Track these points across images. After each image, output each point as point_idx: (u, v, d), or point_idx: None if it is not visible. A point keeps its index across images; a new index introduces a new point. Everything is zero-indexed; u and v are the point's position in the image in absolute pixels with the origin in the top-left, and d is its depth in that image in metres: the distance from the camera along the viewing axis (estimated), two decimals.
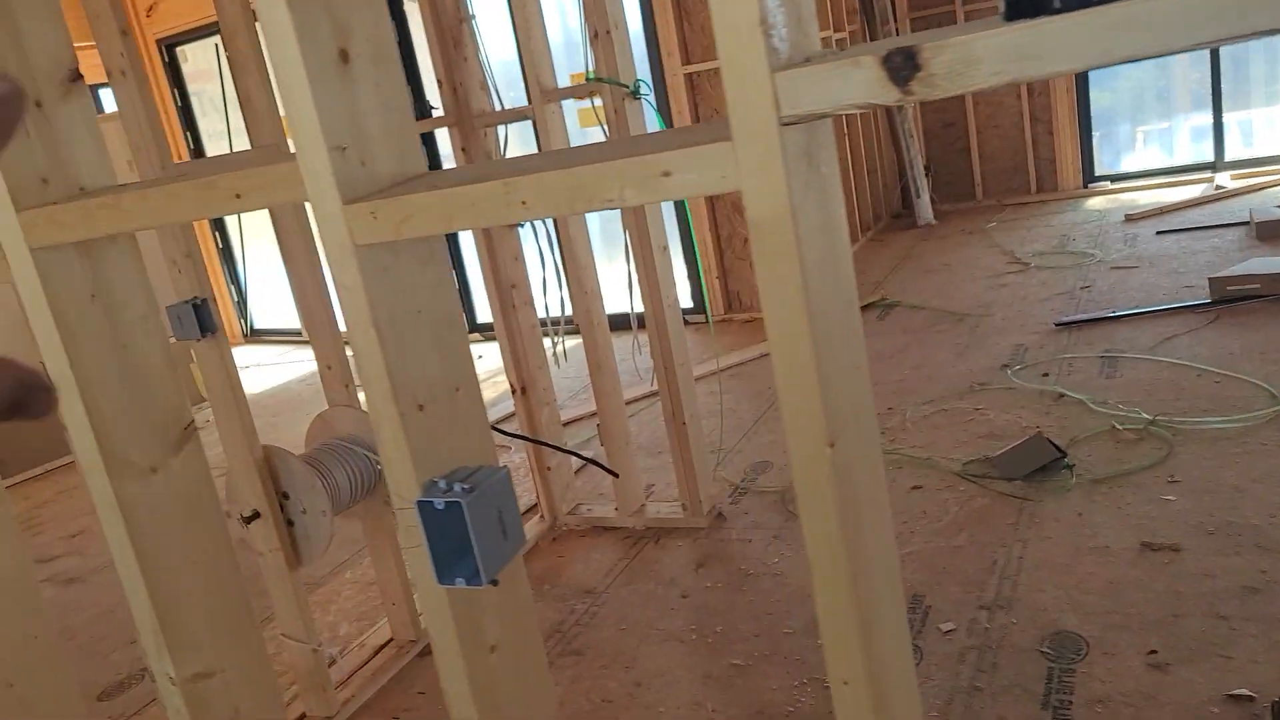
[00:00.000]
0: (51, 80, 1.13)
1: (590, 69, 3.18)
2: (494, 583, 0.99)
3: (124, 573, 1.23)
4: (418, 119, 3.40)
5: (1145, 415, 3.56)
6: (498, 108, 3.39)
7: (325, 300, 2.81)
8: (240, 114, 2.81)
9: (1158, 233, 5.74)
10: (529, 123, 3.31)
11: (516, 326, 3.47)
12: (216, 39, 7.09)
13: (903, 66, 0.68)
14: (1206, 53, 6.67)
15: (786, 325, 0.78)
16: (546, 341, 3.62)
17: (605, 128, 3.17)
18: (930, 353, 4.59)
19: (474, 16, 3.31)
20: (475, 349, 3.99)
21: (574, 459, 3.81)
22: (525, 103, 3.26)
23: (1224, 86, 6.71)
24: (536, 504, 3.76)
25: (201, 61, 7.22)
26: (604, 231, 5.98)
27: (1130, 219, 6.13)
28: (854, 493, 0.87)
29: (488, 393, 4.70)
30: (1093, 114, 7.08)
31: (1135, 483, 3.17)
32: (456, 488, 1.00)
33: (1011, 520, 3.09)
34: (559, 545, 3.52)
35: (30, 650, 1.35)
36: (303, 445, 2.95)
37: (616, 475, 3.39)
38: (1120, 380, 3.92)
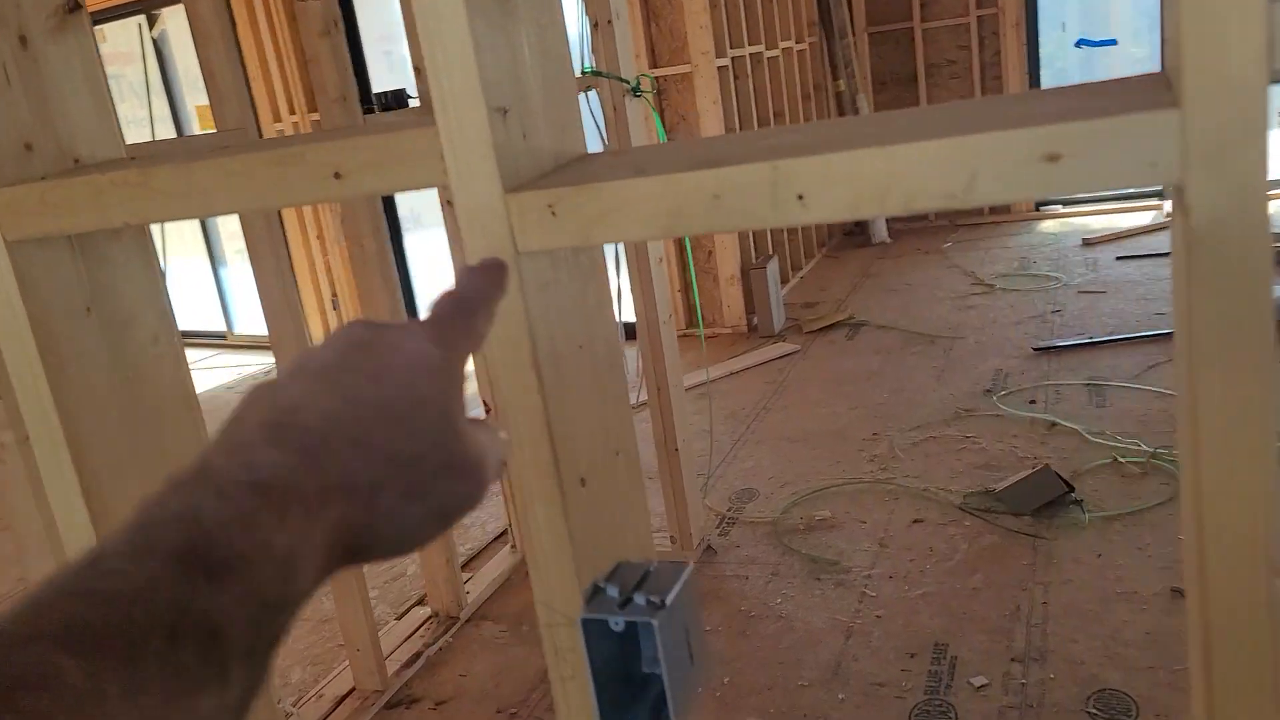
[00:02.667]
0: (41, 7, 0.82)
1: (588, 62, 2.90)
2: None
3: None
4: (387, 108, 3.09)
5: (1146, 447, 3.41)
6: None
7: (295, 312, 2.48)
8: (166, 99, 2.46)
9: (1118, 258, 5.68)
10: None
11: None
12: (140, 18, 6.60)
13: None
14: None
15: None
16: None
17: (601, 129, 2.89)
18: (907, 376, 4.40)
19: None
20: None
21: None
22: None
23: None
24: (506, 530, 3.46)
25: (121, 43, 6.72)
26: None
27: (1088, 243, 6.07)
28: None
29: None
30: None
31: (1150, 521, 3.00)
32: (638, 599, 0.71)
33: (1027, 560, 2.89)
34: None
35: None
36: None
37: None
38: (1112, 409, 3.78)
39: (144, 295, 0.89)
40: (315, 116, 6.23)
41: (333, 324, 6.79)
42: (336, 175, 0.67)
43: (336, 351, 0.47)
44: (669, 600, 0.72)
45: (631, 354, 4.74)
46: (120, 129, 0.90)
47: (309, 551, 0.41)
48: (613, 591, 0.73)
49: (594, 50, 2.92)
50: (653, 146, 0.73)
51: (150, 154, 0.99)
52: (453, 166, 0.65)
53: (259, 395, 0.46)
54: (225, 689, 0.36)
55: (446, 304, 0.52)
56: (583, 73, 2.96)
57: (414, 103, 3.15)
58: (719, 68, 5.14)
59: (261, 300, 2.49)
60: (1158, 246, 5.77)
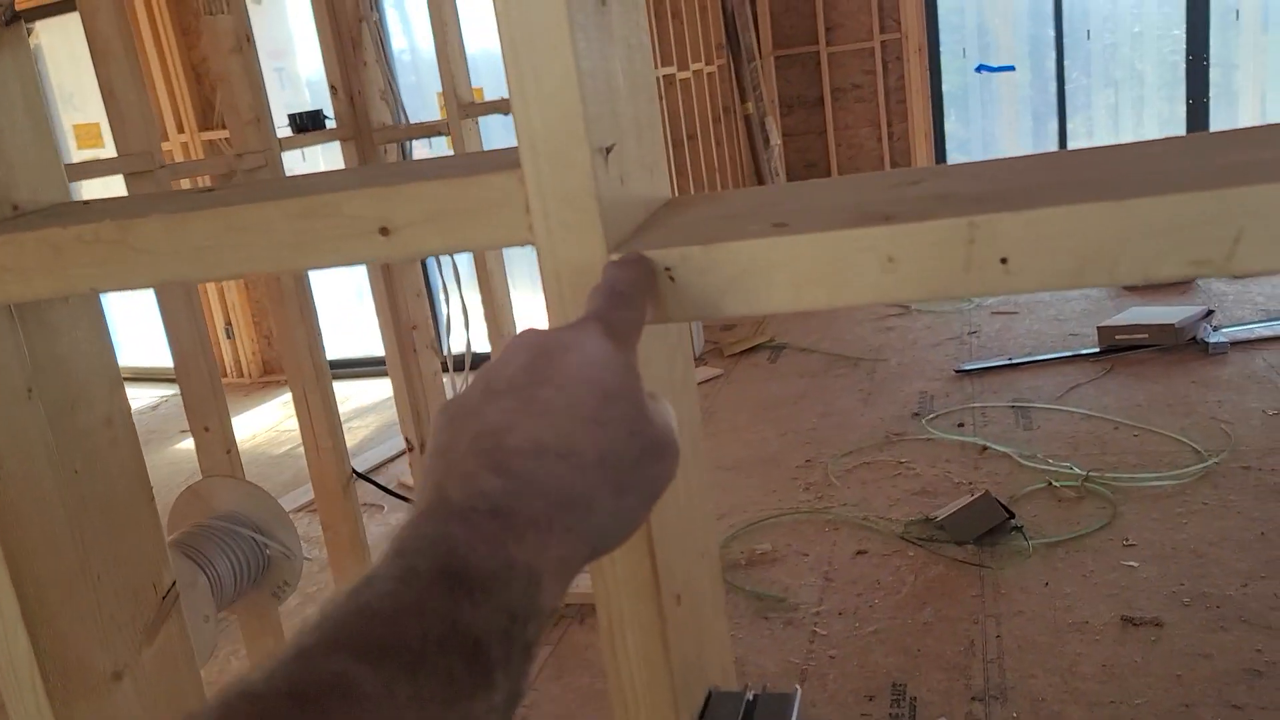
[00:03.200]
0: None
1: None
2: None
3: None
4: (302, 130, 2.90)
5: (1079, 470, 3.41)
6: (403, 121, 2.91)
7: (206, 348, 2.27)
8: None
9: None
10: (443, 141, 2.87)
11: (416, 372, 2.99)
12: None
13: None
14: (1047, 118, 6.84)
15: None
16: (448, 384, 3.15)
17: None
18: (834, 399, 4.36)
19: (380, 14, 2.84)
20: (340, 389, 3.48)
21: None
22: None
23: (1071, 144, 6.88)
24: None
25: None
26: (521, 256, 5.42)
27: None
28: None
29: (352, 438, 4.13)
30: (949, 154, 7.14)
31: (1092, 547, 2.99)
32: None
33: (975, 591, 2.84)
34: None
35: None
36: (164, 523, 2.38)
37: None
38: (1040, 432, 3.78)
39: (94, 369, 0.72)
40: (208, 136, 5.94)
41: (227, 354, 6.46)
42: (384, 231, 0.53)
43: (518, 365, 0.49)
44: None
45: None
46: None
47: (546, 565, 0.44)
48: None
49: None
50: (771, 189, 0.60)
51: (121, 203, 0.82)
52: (541, 221, 0.52)
53: (461, 421, 0.48)
54: (491, 693, 0.40)
55: (603, 297, 0.52)
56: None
57: (330, 123, 2.96)
58: None
59: (167, 331, 2.28)
60: None
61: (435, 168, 0.56)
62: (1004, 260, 0.47)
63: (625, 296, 0.52)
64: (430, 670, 0.38)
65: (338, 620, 0.39)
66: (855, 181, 0.59)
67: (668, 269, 0.51)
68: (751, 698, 0.63)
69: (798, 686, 0.61)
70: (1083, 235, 0.46)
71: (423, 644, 0.39)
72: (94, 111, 5.93)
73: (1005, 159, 0.59)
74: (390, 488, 3.82)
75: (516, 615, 0.42)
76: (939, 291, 0.49)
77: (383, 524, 3.85)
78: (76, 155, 6.04)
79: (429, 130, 2.87)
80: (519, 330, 0.51)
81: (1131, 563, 2.88)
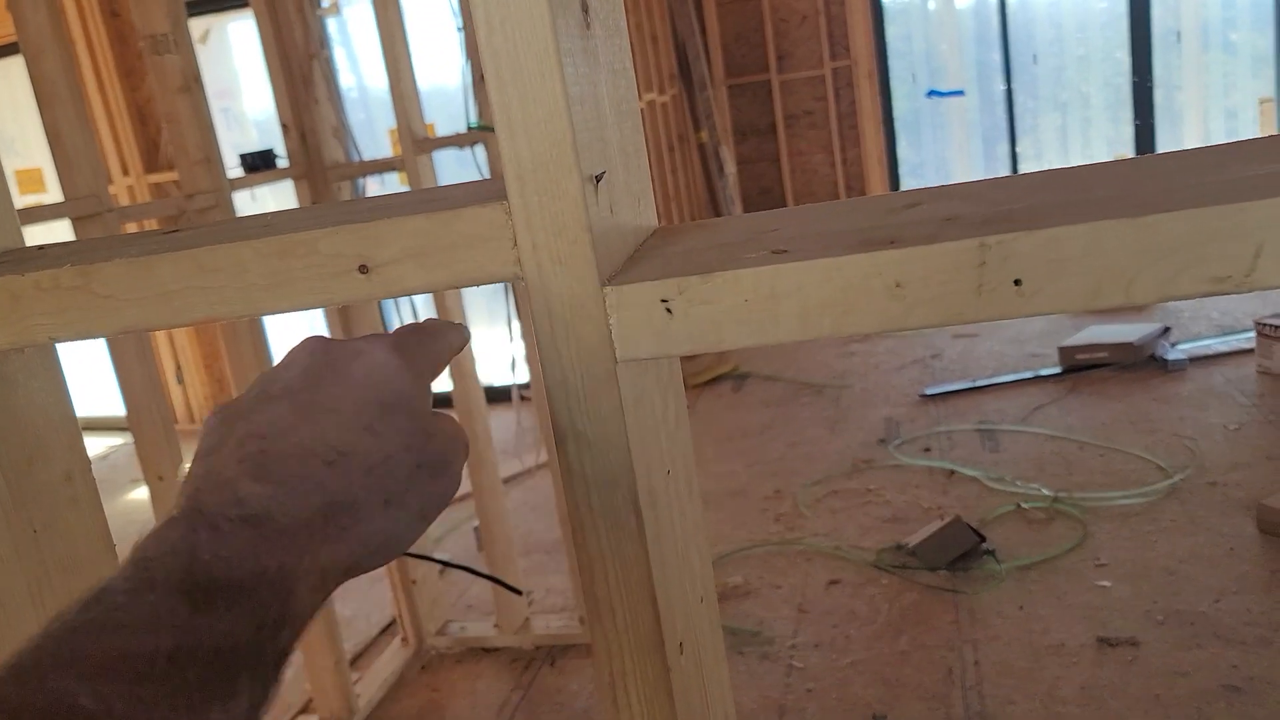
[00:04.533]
0: None
1: (475, 116, 2.74)
2: None
3: None
4: (254, 169, 2.86)
5: (1047, 492, 3.42)
6: (355, 158, 2.88)
7: (158, 394, 2.21)
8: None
9: None
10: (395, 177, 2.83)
11: None
12: None
13: None
14: (997, 141, 6.94)
15: None
16: None
17: None
18: (800, 428, 4.35)
19: (329, 51, 2.81)
20: None
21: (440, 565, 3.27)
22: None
23: (1021, 166, 6.98)
24: (394, 621, 3.20)
25: None
26: (480, 292, 5.33)
27: None
28: None
29: None
30: (901, 179, 7.21)
31: (1064, 568, 2.98)
32: None
33: (951, 618, 2.82)
34: (431, 676, 2.97)
35: None
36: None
37: (520, 593, 2.89)
38: (1006, 455, 3.79)
39: (52, 423, 0.68)
40: (154, 179, 5.85)
41: (178, 400, 6.35)
42: (362, 269, 0.50)
43: (298, 369, 0.48)
44: None
45: (508, 418, 4.55)
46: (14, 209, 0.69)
47: (301, 574, 0.43)
48: None
49: (479, 104, 2.77)
50: (763, 215, 0.58)
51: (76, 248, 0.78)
52: (530, 255, 0.49)
53: (230, 424, 0.47)
54: (232, 701, 0.39)
55: (405, 328, 0.53)
56: (469, 128, 2.80)
57: (282, 163, 2.92)
58: None
59: (119, 377, 2.21)
60: None
61: (415, 202, 0.53)
62: (1018, 282, 0.45)
63: (426, 329, 0.53)
64: (159, 683, 0.37)
65: (61, 637, 0.38)
66: (851, 206, 0.57)
67: (664, 301, 0.48)
68: None
69: None
70: (1099, 254, 0.44)
71: (152, 657, 0.37)
72: (36, 156, 5.83)
73: (1003, 178, 0.57)
74: None
75: (265, 624, 0.41)
76: (950, 318, 0.46)
77: None
78: (19, 201, 5.92)
79: (383, 166, 2.84)
80: (315, 340, 0.50)
81: (1104, 582, 2.88)
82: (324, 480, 0.45)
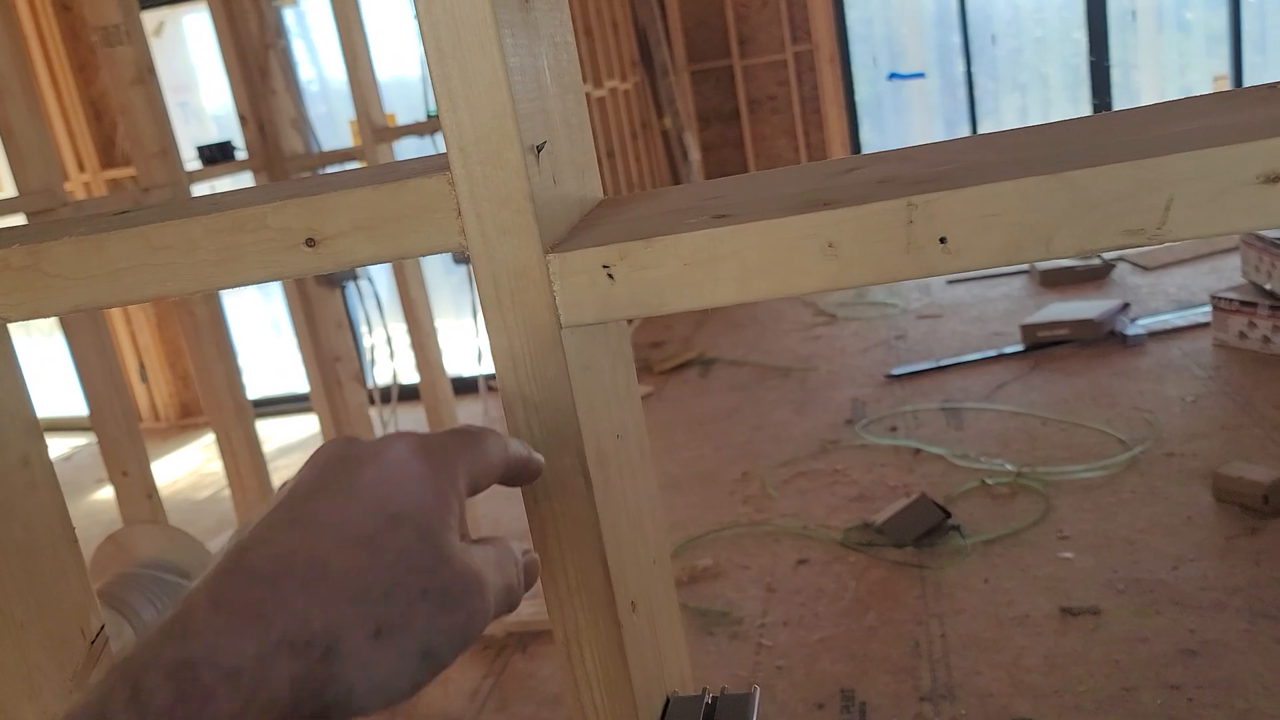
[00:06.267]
0: None
1: (432, 105, 2.74)
2: None
3: None
4: (212, 162, 2.84)
5: (1010, 467, 3.47)
6: (315, 149, 2.87)
7: (121, 390, 2.20)
8: None
9: (949, 282, 5.86)
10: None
11: (341, 406, 2.93)
12: None
13: None
14: (958, 123, 6.99)
15: None
16: (375, 417, 3.09)
17: None
18: (767, 411, 4.38)
19: (287, 42, 2.80)
20: (263, 428, 3.35)
21: None
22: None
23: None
24: None
25: None
26: (445, 281, 5.33)
27: None
28: None
29: (278, 477, 4.02)
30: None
31: (1028, 541, 3.03)
32: None
33: (917, 593, 2.86)
34: None
35: None
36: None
37: None
38: (971, 432, 3.84)
39: (7, 407, 0.68)
40: (110, 174, 5.78)
41: (142, 398, 6.28)
42: (310, 243, 0.51)
43: (311, 471, 0.42)
44: None
45: (476, 409, 4.54)
46: None
47: None
48: None
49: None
50: (711, 184, 0.59)
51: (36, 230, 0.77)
52: (474, 224, 0.50)
53: (239, 535, 0.41)
54: None
55: (451, 430, 0.46)
56: (428, 116, 2.79)
57: (240, 155, 2.90)
58: None
59: (79, 374, 2.20)
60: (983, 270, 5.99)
61: (362, 176, 0.54)
62: (943, 240, 0.47)
63: (470, 432, 0.45)
64: None
65: None
66: (795, 171, 0.59)
67: (606, 267, 0.50)
68: (710, 700, 0.62)
69: (756, 686, 0.59)
70: (1020, 211, 0.46)
71: None
72: None
73: (940, 142, 0.59)
74: None
75: None
76: (882, 276, 0.48)
77: None
78: None
79: (343, 157, 2.83)
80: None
81: (1067, 554, 2.93)
82: (294, 605, 0.38)
